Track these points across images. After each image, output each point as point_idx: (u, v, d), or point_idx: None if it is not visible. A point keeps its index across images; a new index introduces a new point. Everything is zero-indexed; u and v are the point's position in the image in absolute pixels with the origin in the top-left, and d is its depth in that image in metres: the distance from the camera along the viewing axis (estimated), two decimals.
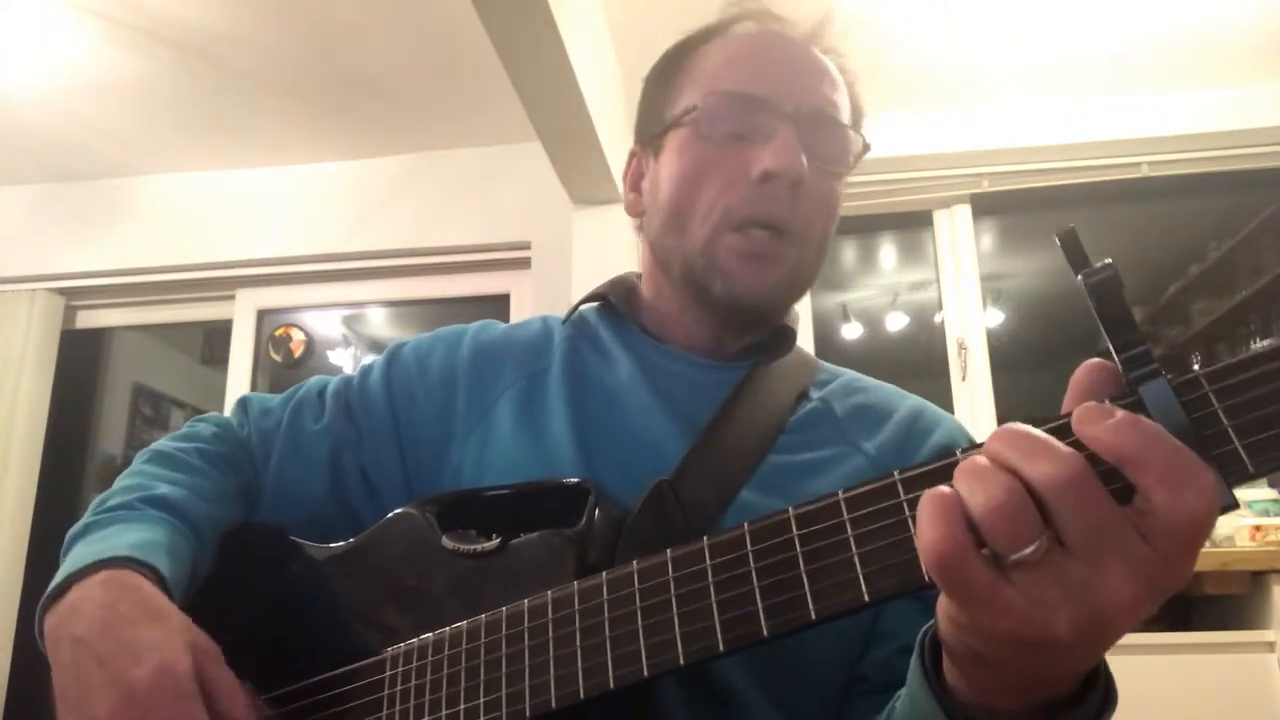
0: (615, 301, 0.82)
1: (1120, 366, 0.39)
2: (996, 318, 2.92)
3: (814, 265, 0.76)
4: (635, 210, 0.83)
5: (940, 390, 2.76)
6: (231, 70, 2.63)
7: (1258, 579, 1.94)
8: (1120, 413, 0.37)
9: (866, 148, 0.78)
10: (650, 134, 0.80)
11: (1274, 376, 0.37)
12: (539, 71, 1.94)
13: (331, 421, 0.80)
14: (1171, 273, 3.06)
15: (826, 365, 0.83)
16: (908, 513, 0.42)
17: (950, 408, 2.69)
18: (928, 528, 0.37)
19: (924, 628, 0.47)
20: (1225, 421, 0.37)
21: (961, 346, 2.79)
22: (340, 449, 0.79)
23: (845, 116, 0.77)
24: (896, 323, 3.15)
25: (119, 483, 0.73)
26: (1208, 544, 2.16)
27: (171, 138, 2.99)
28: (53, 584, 0.63)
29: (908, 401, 0.79)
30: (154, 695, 0.56)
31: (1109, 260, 0.39)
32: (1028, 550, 0.35)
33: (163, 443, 0.78)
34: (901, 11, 2.41)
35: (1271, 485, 2.30)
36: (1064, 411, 0.40)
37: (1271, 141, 2.69)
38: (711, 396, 0.73)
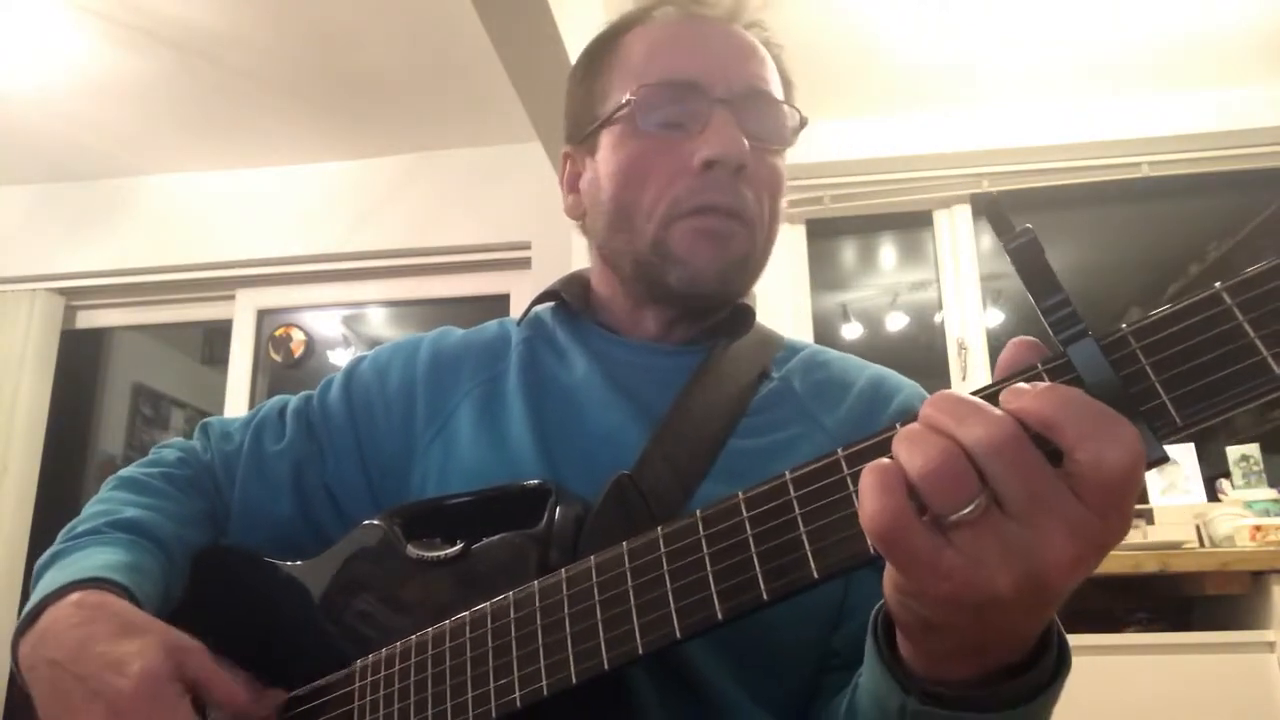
0: (569, 299, 0.81)
1: (1049, 329, 0.39)
2: (996, 318, 2.92)
3: (766, 245, 0.75)
4: (576, 213, 0.81)
5: (940, 390, 2.75)
6: (231, 70, 2.63)
7: (1258, 579, 1.93)
8: (1042, 384, 0.37)
9: (804, 122, 0.77)
10: (582, 133, 0.78)
11: (1197, 330, 0.37)
12: (539, 71, 1.94)
13: (293, 440, 0.80)
14: (1171, 273, 3.06)
15: (788, 340, 0.82)
16: (851, 488, 0.43)
17: None
18: (868, 499, 0.37)
19: (876, 606, 0.48)
20: (1152, 377, 0.38)
21: (961, 346, 2.79)
22: (303, 468, 0.79)
23: (777, 91, 0.76)
24: (896, 323, 3.15)
25: (86, 510, 0.72)
26: (1208, 543, 2.17)
27: (171, 138, 2.99)
28: (25, 611, 0.62)
29: (867, 372, 0.78)
30: (138, 702, 0.56)
31: (1029, 226, 0.40)
32: (966, 510, 0.36)
33: (128, 470, 0.78)
34: (902, 11, 2.41)
35: (1272, 485, 2.30)
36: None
37: (1271, 141, 2.69)
38: (670, 384, 0.72)
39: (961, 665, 0.43)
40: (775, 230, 0.77)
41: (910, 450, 0.37)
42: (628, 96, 0.73)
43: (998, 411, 0.37)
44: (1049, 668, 0.45)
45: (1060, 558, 0.36)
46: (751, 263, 0.74)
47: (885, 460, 0.38)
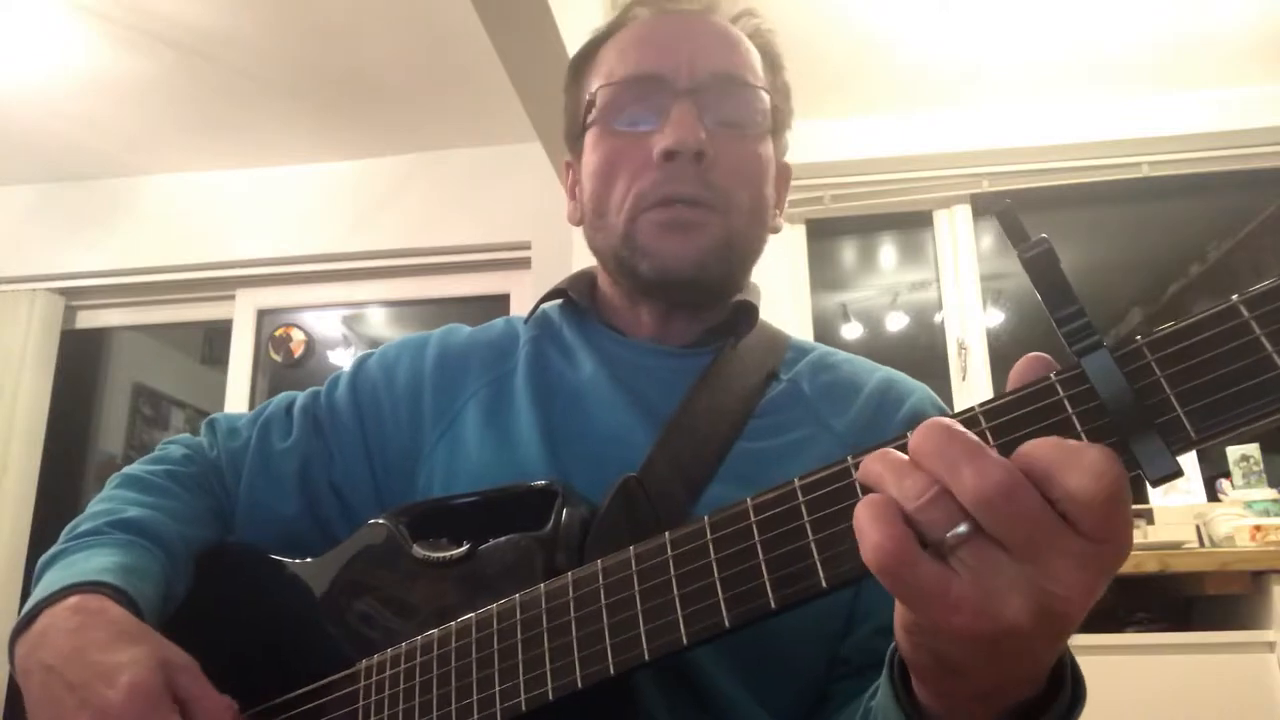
0: (576, 297, 0.81)
1: (1063, 339, 0.39)
2: (996, 318, 2.92)
3: (750, 231, 0.75)
4: (576, 218, 0.82)
5: (940, 390, 2.73)
6: (231, 70, 2.63)
7: (1258, 579, 1.94)
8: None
9: (773, 104, 0.77)
10: (572, 139, 0.81)
11: (1214, 344, 0.36)
12: (539, 71, 1.94)
13: (300, 438, 0.79)
14: (1171, 273, 3.06)
15: (795, 341, 0.82)
16: (860, 495, 0.42)
17: (950, 408, 2.68)
18: (869, 531, 0.36)
19: (891, 646, 0.47)
20: (1168, 390, 0.37)
21: (961, 346, 2.79)
22: (309, 465, 0.78)
23: (752, 74, 0.76)
24: (896, 323, 3.15)
25: (90, 508, 0.72)
26: (1208, 543, 2.17)
27: (171, 138, 2.99)
28: (23, 612, 0.62)
29: (877, 374, 0.78)
30: (126, 715, 0.55)
31: (1044, 235, 0.39)
32: (962, 528, 0.35)
33: (133, 467, 0.78)
34: (902, 11, 2.41)
35: (1272, 485, 2.30)
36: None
37: (1271, 141, 2.69)
38: (677, 385, 0.72)
39: (981, 710, 0.42)
40: (763, 215, 0.76)
41: (899, 480, 0.37)
42: (588, 96, 0.75)
43: (992, 457, 0.36)
44: (1064, 705, 0.44)
45: (1071, 591, 0.35)
46: (734, 250, 0.73)
47: (877, 495, 0.37)
